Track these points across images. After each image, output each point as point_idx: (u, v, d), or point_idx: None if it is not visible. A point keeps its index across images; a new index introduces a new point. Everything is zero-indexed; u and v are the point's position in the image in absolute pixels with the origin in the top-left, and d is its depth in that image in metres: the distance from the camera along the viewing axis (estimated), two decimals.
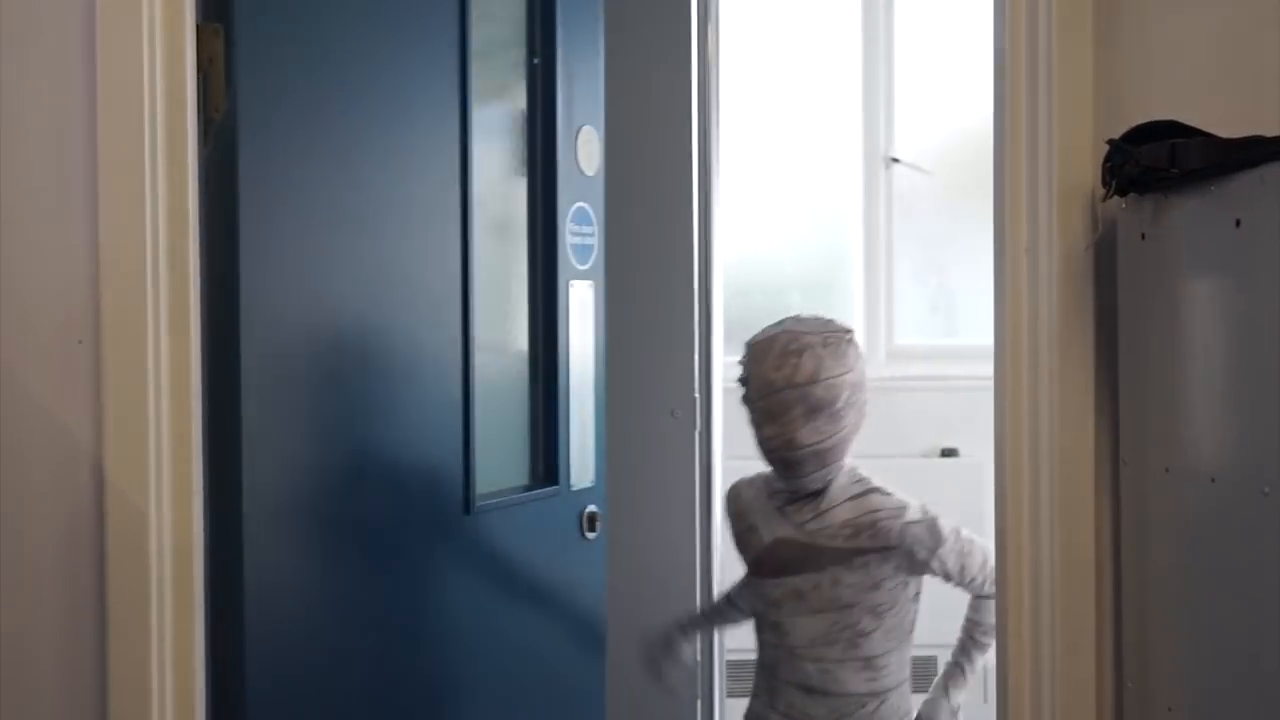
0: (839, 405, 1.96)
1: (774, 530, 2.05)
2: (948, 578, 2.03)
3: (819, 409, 1.96)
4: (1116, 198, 1.59)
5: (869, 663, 1.98)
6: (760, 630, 2.10)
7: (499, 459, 2.29)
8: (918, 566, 2.01)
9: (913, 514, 2.02)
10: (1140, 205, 1.56)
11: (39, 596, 1.56)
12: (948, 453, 3.67)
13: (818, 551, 1.98)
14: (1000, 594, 1.83)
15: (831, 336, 1.99)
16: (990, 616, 1.99)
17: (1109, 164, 1.55)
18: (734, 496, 2.19)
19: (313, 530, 1.84)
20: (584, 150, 2.40)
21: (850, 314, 3.87)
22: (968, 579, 2.04)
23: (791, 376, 1.96)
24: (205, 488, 1.62)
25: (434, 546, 2.03)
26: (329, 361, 1.86)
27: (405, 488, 1.99)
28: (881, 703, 2.01)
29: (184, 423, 1.59)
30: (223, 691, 1.67)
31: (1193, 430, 1.50)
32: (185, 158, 1.58)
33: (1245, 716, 1.38)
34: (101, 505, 1.55)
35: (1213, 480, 1.43)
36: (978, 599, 2.08)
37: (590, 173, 2.42)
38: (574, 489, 2.42)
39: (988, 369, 1.80)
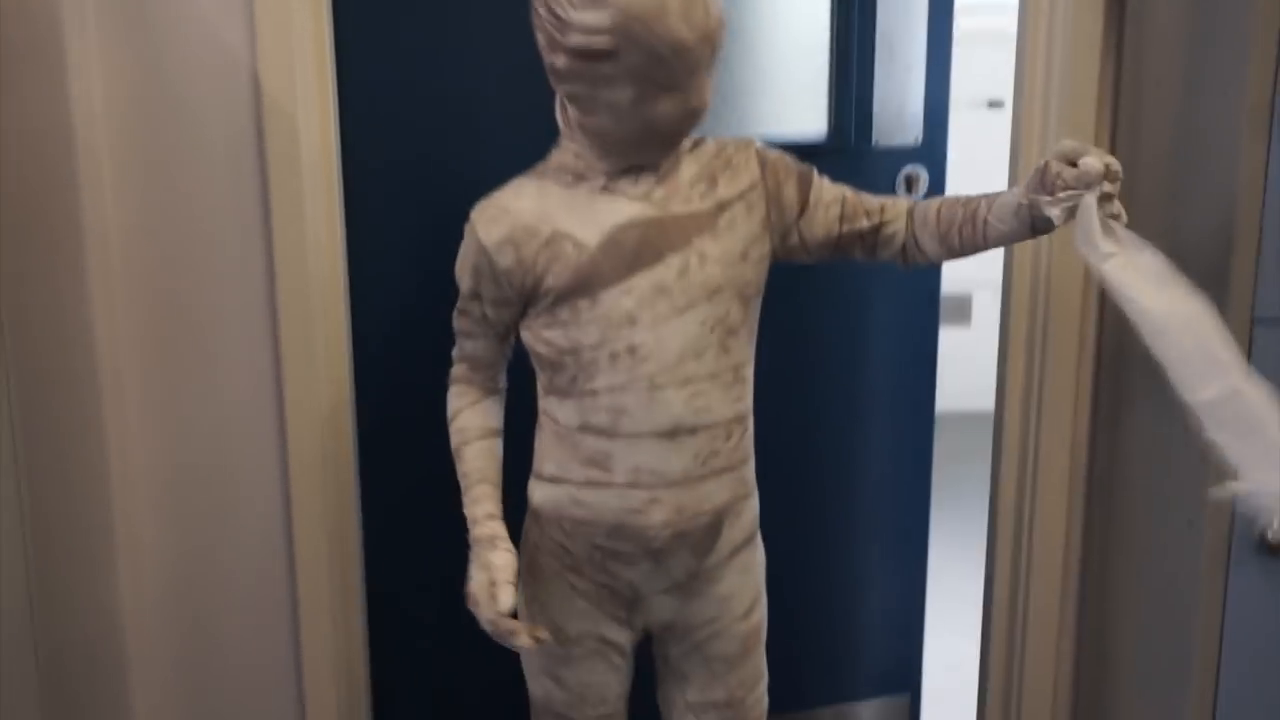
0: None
1: (604, 221, 1.45)
2: (841, 204, 1.56)
3: (717, 55, 1.40)
4: None
5: (737, 373, 1.50)
6: (588, 378, 1.48)
7: (787, 107, 2.09)
8: (786, 200, 1.54)
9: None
10: None
11: (215, 178, 1.85)
12: (994, 104, 3.84)
13: (676, 223, 1.45)
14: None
15: None
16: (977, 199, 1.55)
17: None
18: (497, 217, 1.47)
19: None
20: None
21: None
22: (871, 205, 1.57)
23: (705, 26, 1.34)
24: (339, 92, 1.89)
25: None
26: None
27: None
28: (744, 431, 1.54)
29: (322, 32, 1.84)
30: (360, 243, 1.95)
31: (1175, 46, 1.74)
32: None
33: None
34: (259, 108, 1.83)
35: (1184, 87, 1.71)
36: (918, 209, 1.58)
37: None
38: (879, 147, 2.11)
39: None
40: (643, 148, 1.45)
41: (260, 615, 2.00)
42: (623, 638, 1.61)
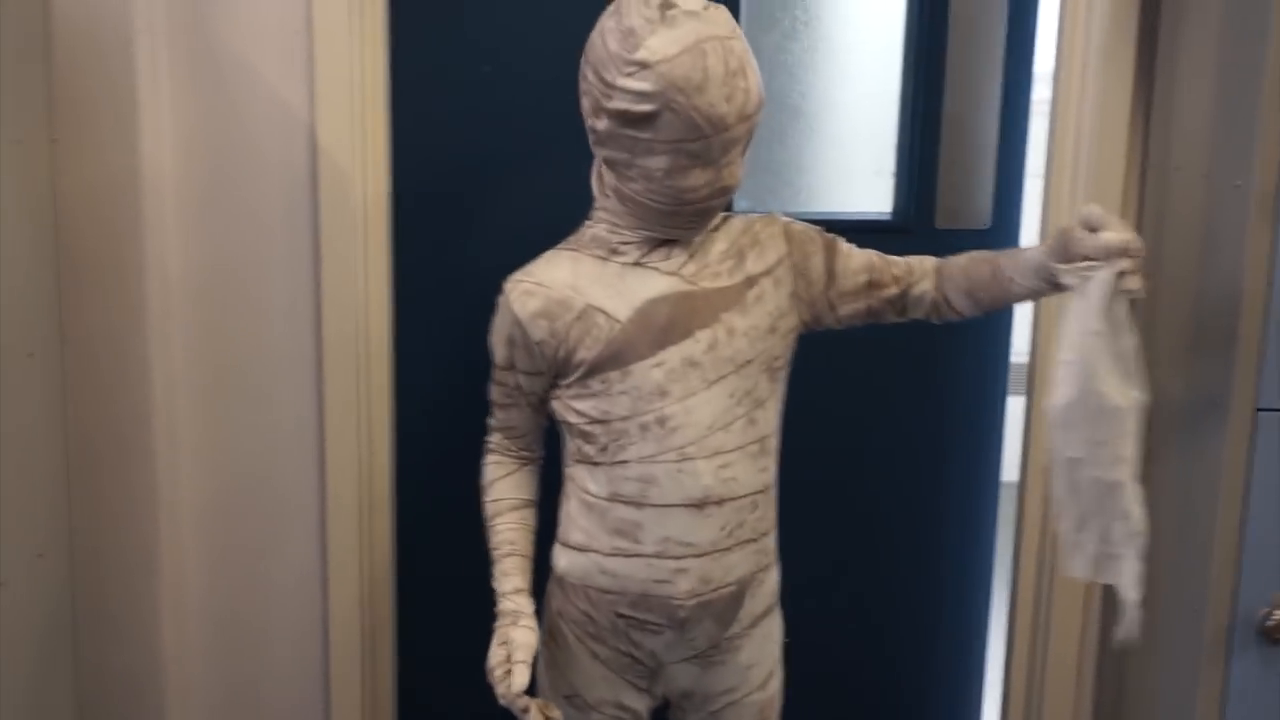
0: None
1: (636, 295, 1.48)
2: (869, 272, 1.57)
3: (752, 136, 1.45)
4: None
5: (763, 445, 1.53)
6: (619, 448, 1.51)
7: (851, 186, 2.10)
8: (814, 272, 1.56)
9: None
10: None
11: (271, 228, 1.96)
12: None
13: (706, 298, 1.49)
14: None
15: (735, 26, 1.41)
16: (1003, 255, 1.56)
17: None
18: (531, 290, 1.51)
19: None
20: None
21: None
22: (899, 270, 1.58)
23: (744, 106, 1.39)
24: (390, 155, 1.99)
25: None
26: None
27: None
28: (769, 502, 1.57)
29: (379, 100, 1.96)
30: (406, 296, 2.05)
31: (1197, 135, 1.76)
32: None
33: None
34: (315, 164, 1.93)
35: (1205, 176, 1.73)
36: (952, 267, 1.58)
37: None
38: (946, 229, 2.05)
39: None
40: (673, 220, 1.47)
41: (295, 650, 2.09)
42: (641, 705, 1.62)
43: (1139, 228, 1.95)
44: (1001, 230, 2.07)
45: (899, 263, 1.58)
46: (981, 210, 2.07)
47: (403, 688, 2.18)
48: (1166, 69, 1.86)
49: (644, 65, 1.36)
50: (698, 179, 1.41)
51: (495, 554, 1.58)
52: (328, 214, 1.94)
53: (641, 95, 1.37)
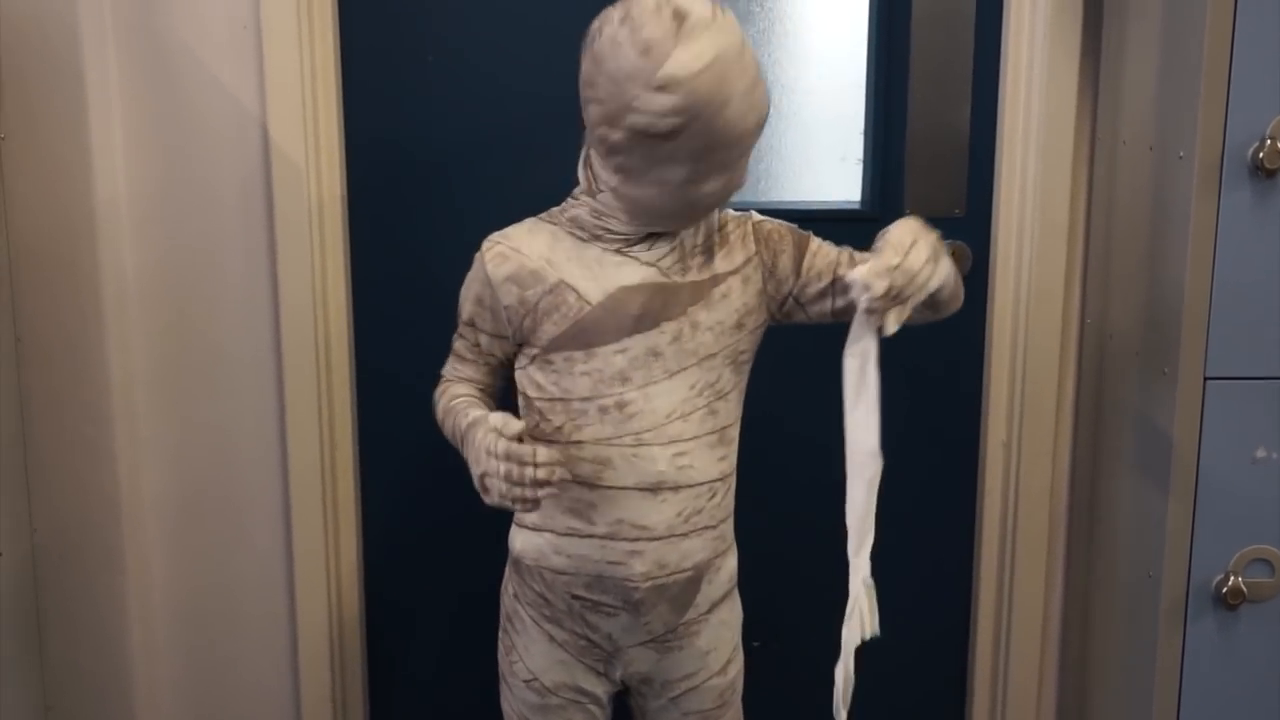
0: None
1: (611, 280, 1.48)
2: (833, 272, 1.55)
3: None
4: None
5: (723, 435, 1.53)
6: (575, 428, 1.51)
7: (820, 173, 2.06)
8: (782, 271, 1.55)
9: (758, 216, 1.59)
10: None
11: (226, 224, 1.96)
12: None
13: (677, 291, 1.49)
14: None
15: (741, 32, 1.39)
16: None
17: None
18: (507, 254, 1.52)
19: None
20: None
21: None
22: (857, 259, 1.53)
23: (762, 117, 1.39)
24: (343, 148, 2.00)
25: None
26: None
27: None
28: (728, 489, 1.57)
29: (330, 94, 1.96)
30: (364, 288, 2.07)
31: (1142, 109, 1.79)
32: None
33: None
34: (268, 159, 1.94)
35: (1150, 149, 1.75)
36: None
37: None
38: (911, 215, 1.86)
39: None
40: (679, 219, 1.47)
41: (262, 645, 2.10)
42: (600, 689, 1.62)
43: (1089, 200, 1.98)
44: (978, 217, 2.04)
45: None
46: (955, 196, 2.03)
47: (373, 680, 2.18)
48: (1113, 45, 1.88)
49: (670, 82, 1.32)
50: (714, 185, 1.41)
51: (457, 421, 1.52)
52: (282, 208, 1.94)
53: (667, 112, 1.33)
